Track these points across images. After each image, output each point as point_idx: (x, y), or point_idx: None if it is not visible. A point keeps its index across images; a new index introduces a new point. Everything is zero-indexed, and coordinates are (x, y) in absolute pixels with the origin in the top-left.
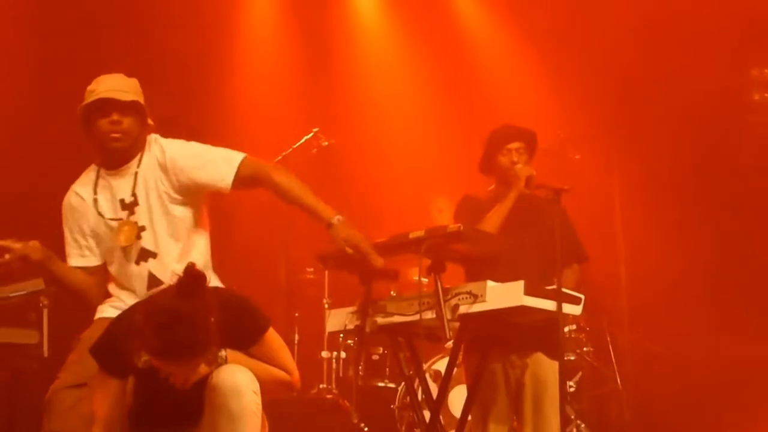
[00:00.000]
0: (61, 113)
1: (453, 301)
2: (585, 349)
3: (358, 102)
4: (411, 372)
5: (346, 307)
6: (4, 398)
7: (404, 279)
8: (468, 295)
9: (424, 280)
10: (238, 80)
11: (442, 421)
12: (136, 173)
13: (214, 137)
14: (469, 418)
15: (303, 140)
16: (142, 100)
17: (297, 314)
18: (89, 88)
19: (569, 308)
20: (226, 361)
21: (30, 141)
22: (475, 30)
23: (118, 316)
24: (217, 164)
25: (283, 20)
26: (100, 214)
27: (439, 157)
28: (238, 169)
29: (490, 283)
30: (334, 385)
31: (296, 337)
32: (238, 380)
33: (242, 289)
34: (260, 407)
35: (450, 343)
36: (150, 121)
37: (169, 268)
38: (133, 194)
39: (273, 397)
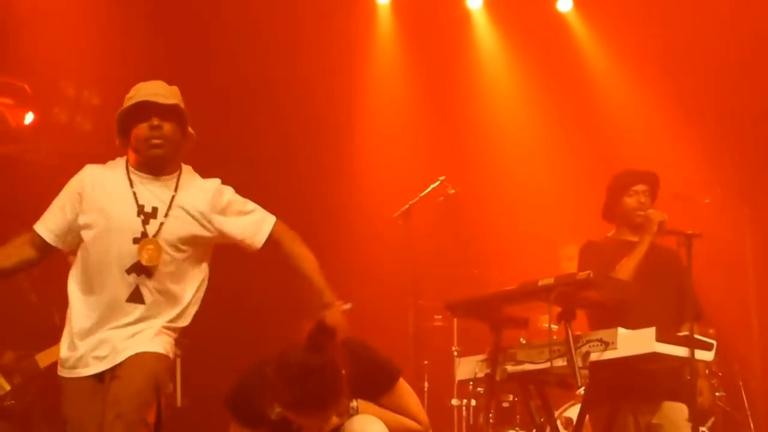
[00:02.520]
0: None
1: (584, 349)
2: (717, 394)
3: (485, 149)
4: (542, 419)
5: (476, 355)
6: None
7: (534, 326)
8: (599, 343)
9: (554, 327)
10: (365, 130)
11: None
12: (175, 188)
13: (342, 186)
14: None
15: (429, 189)
16: (183, 106)
17: (426, 362)
18: (128, 95)
19: (701, 354)
20: (357, 412)
21: None
22: (602, 74)
23: (250, 369)
24: (254, 221)
25: (408, 69)
26: (137, 211)
27: (567, 204)
28: (271, 231)
29: (621, 330)
30: None
31: (426, 385)
32: (369, 431)
33: (371, 339)
34: None
35: (581, 390)
36: (191, 130)
37: (154, 293)
38: (161, 210)
39: None
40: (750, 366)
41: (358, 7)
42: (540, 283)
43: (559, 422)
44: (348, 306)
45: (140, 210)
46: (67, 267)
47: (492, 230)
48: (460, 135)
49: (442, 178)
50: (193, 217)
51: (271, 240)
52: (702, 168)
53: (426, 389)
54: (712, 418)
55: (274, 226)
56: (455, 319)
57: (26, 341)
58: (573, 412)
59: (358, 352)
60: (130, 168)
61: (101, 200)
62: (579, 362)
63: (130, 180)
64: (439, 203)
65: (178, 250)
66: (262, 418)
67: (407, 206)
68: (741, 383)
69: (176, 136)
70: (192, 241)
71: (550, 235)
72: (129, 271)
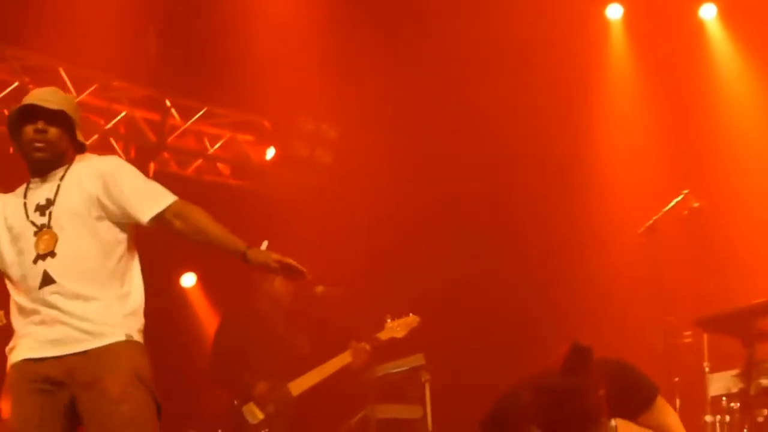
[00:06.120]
0: None
1: None
2: None
3: (727, 160)
4: None
5: (729, 370)
6: None
7: None
8: None
9: None
10: (605, 146)
11: None
12: (61, 178)
13: (586, 203)
14: None
15: (673, 203)
16: (74, 114)
17: (677, 379)
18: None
19: None
20: (617, 431)
21: None
22: None
23: (507, 393)
24: (148, 193)
25: (644, 83)
26: (27, 216)
27: None
28: (167, 207)
29: None
30: None
31: (677, 402)
32: None
33: (621, 357)
34: None
35: None
36: (81, 138)
37: (66, 269)
38: (51, 198)
39: None
40: None
41: (590, 23)
42: None
43: None
44: (265, 244)
45: (30, 209)
46: (310, 300)
47: (739, 242)
48: (701, 147)
49: (685, 191)
50: (89, 189)
51: (164, 217)
52: None
53: (678, 406)
54: None
55: (175, 203)
56: (705, 335)
57: (278, 371)
58: None
59: (615, 371)
60: (30, 181)
61: (11, 221)
62: None
63: (26, 190)
64: (683, 217)
65: (76, 222)
66: None
67: (651, 221)
68: None
69: (61, 141)
70: (90, 214)
71: None
72: (35, 260)
